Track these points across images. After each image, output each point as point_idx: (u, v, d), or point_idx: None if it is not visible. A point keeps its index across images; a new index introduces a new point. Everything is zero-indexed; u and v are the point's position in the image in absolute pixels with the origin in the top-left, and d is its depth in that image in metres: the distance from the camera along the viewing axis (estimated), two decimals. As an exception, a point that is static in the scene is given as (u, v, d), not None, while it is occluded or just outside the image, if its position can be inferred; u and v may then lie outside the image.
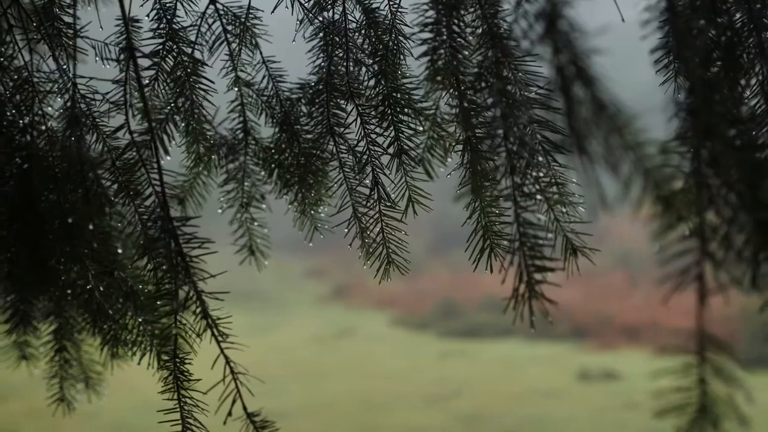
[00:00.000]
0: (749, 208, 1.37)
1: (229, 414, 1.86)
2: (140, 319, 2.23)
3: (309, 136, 2.13)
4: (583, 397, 11.97)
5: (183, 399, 1.92)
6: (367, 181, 2.02)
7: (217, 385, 1.87)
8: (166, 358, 1.92)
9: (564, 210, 1.81)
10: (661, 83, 1.88)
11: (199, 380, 1.92)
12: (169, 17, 2.14)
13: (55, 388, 2.46)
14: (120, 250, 2.26)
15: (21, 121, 2.20)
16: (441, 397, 12.20)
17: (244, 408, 1.91)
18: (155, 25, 2.14)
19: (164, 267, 1.96)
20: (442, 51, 1.95)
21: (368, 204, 1.98)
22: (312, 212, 2.21)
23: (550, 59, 1.56)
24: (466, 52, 1.92)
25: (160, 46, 2.13)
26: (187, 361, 1.92)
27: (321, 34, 2.08)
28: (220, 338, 1.91)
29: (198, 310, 1.92)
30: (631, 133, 1.45)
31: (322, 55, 2.07)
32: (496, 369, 14.06)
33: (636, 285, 19.08)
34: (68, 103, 2.18)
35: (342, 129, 2.07)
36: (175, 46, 2.14)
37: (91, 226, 2.20)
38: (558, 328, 16.22)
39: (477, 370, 13.95)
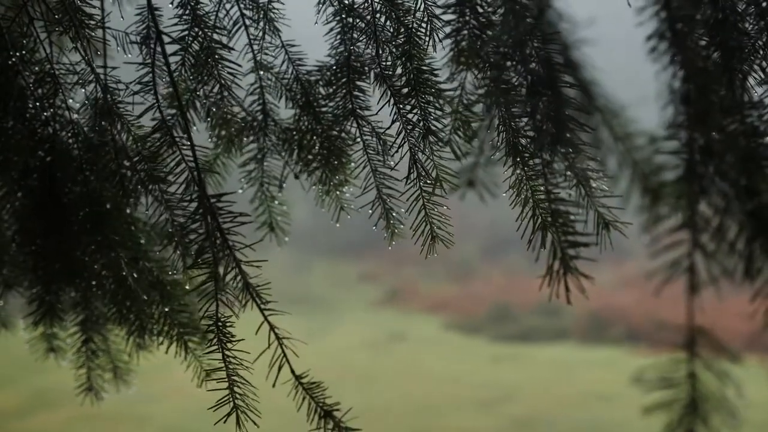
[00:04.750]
0: (742, 197, 1.32)
1: (277, 378, 1.89)
2: (166, 309, 2.25)
3: (330, 117, 2.12)
4: (638, 401, 11.77)
5: (228, 359, 1.93)
6: (392, 162, 2.03)
7: (264, 352, 1.91)
8: (209, 321, 1.93)
9: (593, 186, 1.79)
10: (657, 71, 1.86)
11: (242, 340, 1.94)
12: (193, 3, 2.15)
13: (83, 378, 2.50)
14: (143, 240, 2.26)
15: (44, 114, 2.19)
16: (494, 401, 12.13)
17: (292, 371, 1.93)
18: (180, 12, 2.15)
19: (197, 244, 1.95)
20: (465, 32, 1.94)
21: (408, 182, 1.96)
22: (337, 192, 2.20)
23: (538, 51, 1.56)
24: (490, 32, 1.91)
25: (186, 32, 2.14)
26: (228, 324, 1.94)
27: (339, 17, 2.06)
28: (262, 305, 1.92)
29: (238, 278, 1.92)
30: (620, 125, 1.41)
31: (340, 37, 2.06)
32: (549, 373, 13.93)
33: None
34: (93, 95, 2.18)
35: (364, 111, 2.06)
36: (200, 32, 2.15)
37: (128, 210, 2.22)
38: (612, 331, 16.02)
39: (530, 374, 13.83)
